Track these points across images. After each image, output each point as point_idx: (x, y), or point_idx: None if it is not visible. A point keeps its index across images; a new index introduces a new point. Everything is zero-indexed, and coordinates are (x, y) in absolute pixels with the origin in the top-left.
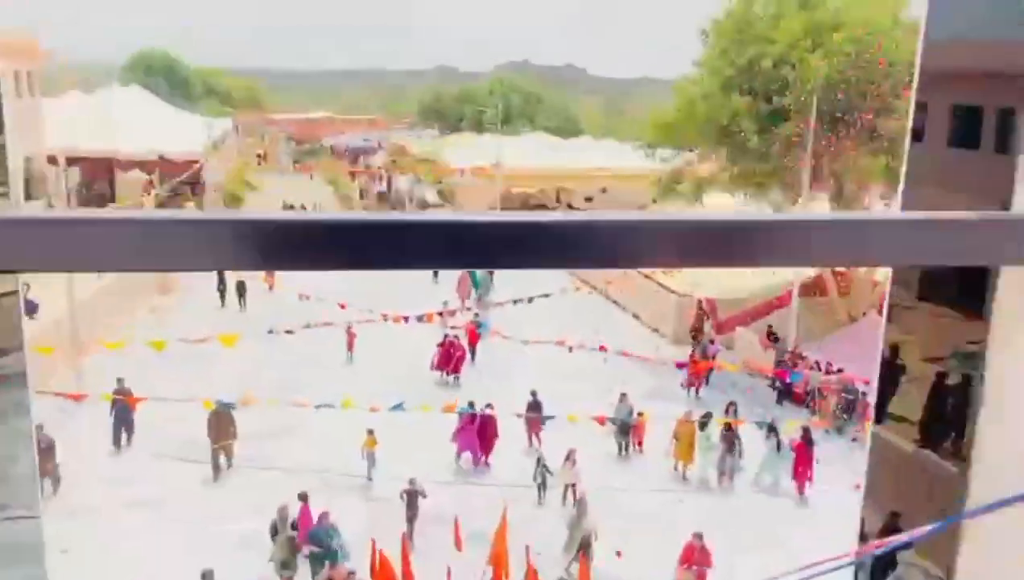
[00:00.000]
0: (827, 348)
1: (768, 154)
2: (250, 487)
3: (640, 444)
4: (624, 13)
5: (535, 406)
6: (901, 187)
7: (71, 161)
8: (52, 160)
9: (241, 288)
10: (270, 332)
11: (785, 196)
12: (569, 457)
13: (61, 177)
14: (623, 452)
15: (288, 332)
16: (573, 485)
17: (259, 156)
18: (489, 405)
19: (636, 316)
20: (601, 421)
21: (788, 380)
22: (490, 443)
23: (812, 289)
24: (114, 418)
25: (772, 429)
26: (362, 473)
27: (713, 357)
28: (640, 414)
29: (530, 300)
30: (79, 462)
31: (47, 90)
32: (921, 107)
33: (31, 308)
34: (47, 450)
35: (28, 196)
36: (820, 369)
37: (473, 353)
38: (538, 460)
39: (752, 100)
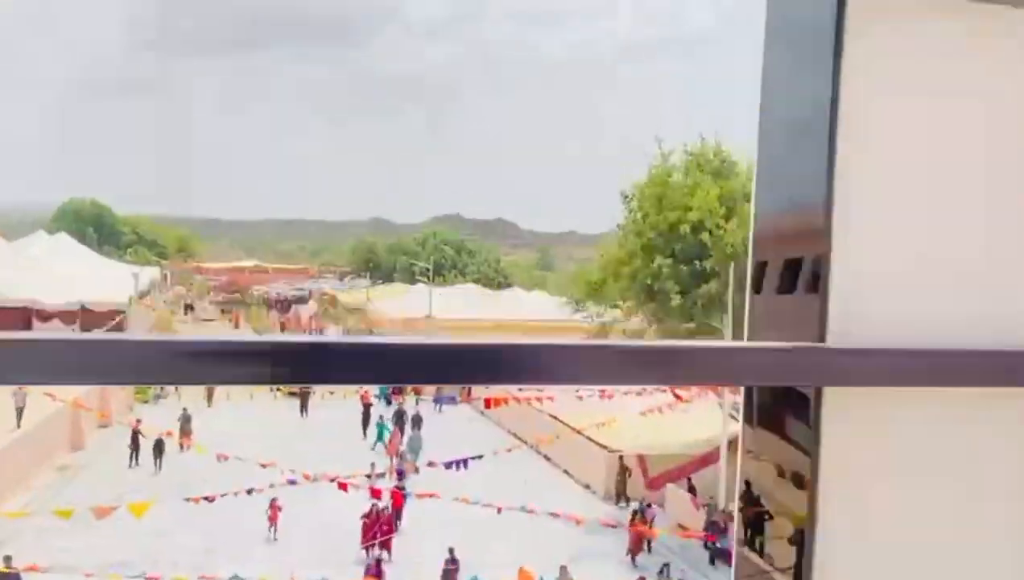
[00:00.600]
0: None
1: (691, 313)
2: None
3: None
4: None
5: (452, 562)
6: (746, 333)
7: None
8: None
9: (159, 447)
10: (186, 500)
11: None
12: (562, 575)
13: None
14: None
15: (207, 499)
16: None
17: (187, 306)
18: None
19: (567, 472)
20: None
21: (717, 544)
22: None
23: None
24: None
25: None
26: None
27: (651, 521)
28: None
29: (464, 463)
30: None
31: None
32: (761, 265)
33: None
34: None
35: None
36: None
37: (399, 516)
38: None
39: (673, 262)
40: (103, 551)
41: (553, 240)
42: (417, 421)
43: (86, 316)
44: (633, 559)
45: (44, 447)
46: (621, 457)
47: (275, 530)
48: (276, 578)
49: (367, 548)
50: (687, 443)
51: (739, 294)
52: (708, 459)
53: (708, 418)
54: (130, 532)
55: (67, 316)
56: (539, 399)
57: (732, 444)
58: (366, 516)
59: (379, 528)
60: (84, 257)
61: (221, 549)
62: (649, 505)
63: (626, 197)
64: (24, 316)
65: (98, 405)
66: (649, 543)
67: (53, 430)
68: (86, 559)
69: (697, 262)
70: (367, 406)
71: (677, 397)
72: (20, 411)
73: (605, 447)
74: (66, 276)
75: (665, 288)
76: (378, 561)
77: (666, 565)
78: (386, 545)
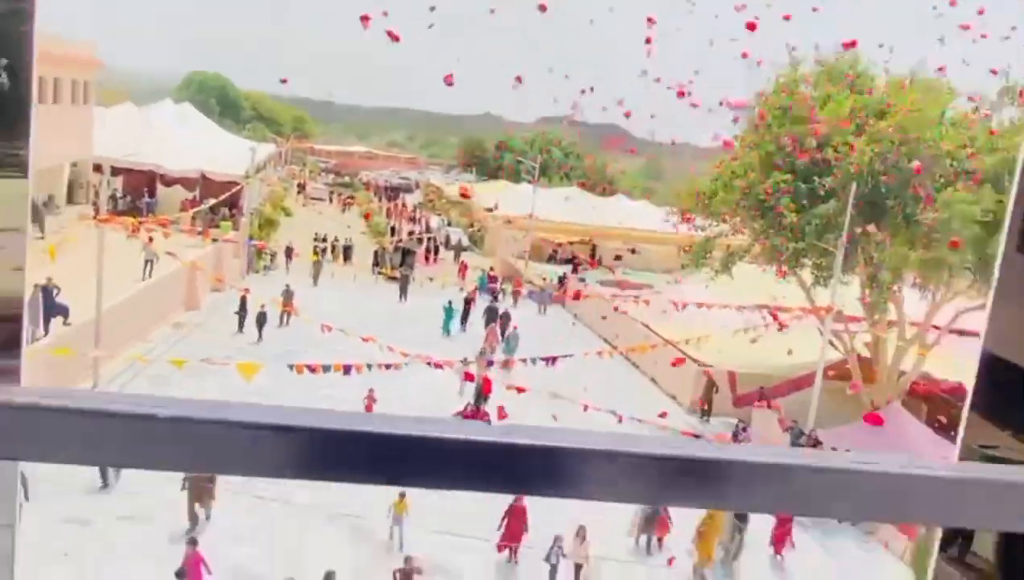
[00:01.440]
0: (846, 436)
1: (804, 233)
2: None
3: (661, 541)
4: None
5: None
6: (990, 301)
7: (116, 171)
8: (98, 168)
9: (261, 317)
10: (290, 366)
11: (816, 277)
12: (579, 533)
13: (104, 185)
14: (639, 544)
15: (310, 368)
16: (579, 566)
17: (299, 185)
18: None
19: (654, 381)
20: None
21: None
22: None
23: (836, 372)
24: None
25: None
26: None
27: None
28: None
29: (554, 360)
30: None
31: (101, 100)
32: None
33: (62, 311)
34: None
35: (70, 200)
36: None
37: (485, 399)
38: (555, 539)
39: (792, 178)
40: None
41: (665, 150)
42: (507, 318)
43: (206, 184)
44: None
45: (163, 303)
46: (710, 372)
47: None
48: None
49: None
50: (779, 365)
51: (857, 218)
52: (801, 382)
53: (804, 343)
54: (235, 389)
55: (188, 182)
56: (635, 301)
57: (828, 370)
58: (460, 413)
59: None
60: (206, 127)
61: None
62: (744, 428)
63: (748, 107)
64: (149, 179)
65: (213, 269)
66: None
67: (171, 288)
68: None
69: (817, 180)
70: (468, 301)
71: (775, 318)
72: (148, 263)
73: (695, 360)
74: (188, 144)
75: (779, 205)
76: None
77: None
78: None
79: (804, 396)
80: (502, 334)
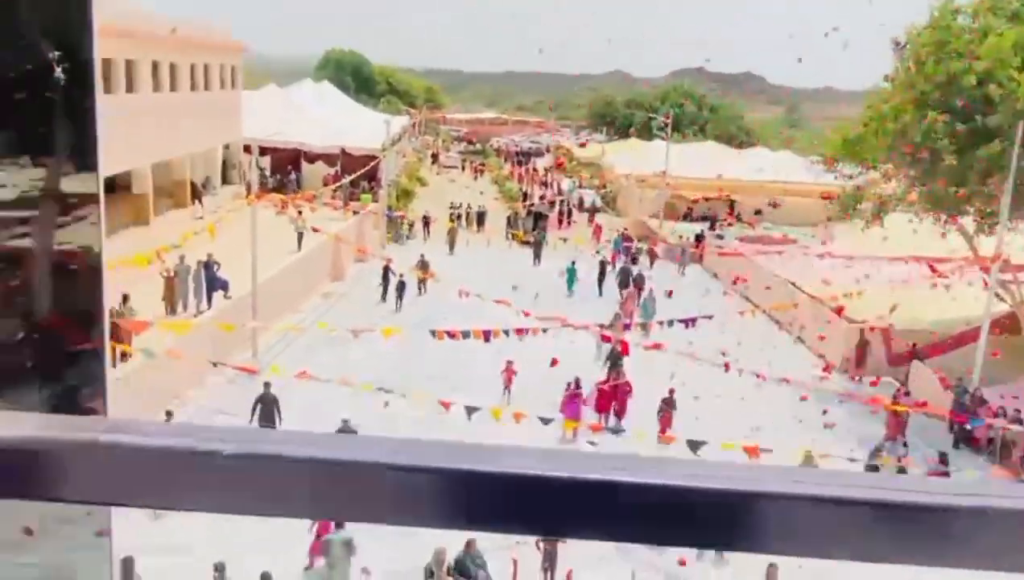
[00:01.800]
0: (1015, 392)
1: (965, 177)
2: None
3: None
4: (808, 19)
5: (670, 402)
6: None
7: (263, 151)
8: (247, 148)
9: (400, 287)
10: (432, 333)
11: (979, 224)
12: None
13: (253, 165)
14: None
15: (450, 334)
16: None
17: (432, 155)
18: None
19: (800, 340)
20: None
21: (968, 426)
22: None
23: (1003, 325)
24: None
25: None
26: None
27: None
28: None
29: (693, 322)
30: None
31: (247, 84)
32: None
33: (223, 285)
34: None
35: (224, 180)
36: (1005, 416)
37: (622, 362)
38: None
39: (950, 118)
40: (356, 367)
41: (805, 96)
42: (641, 280)
43: (346, 159)
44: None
45: (311, 275)
46: (862, 329)
47: (508, 394)
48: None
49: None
50: (939, 321)
51: None
52: (964, 338)
53: (967, 296)
54: (380, 353)
55: (329, 158)
56: (779, 252)
57: (995, 324)
58: (602, 383)
59: (616, 396)
60: (343, 104)
61: (458, 380)
62: (907, 392)
63: (898, 45)
64: (295, 155)
65: (356, 240)
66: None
67: (318, 260)
68: (343, 372)
69: (979, 119)
70: (604, 263)
71: (934, 270)
72: (300, 235)
73: (845, 317)
74: (328, 121)
75: (937, 147)
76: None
77: (905, 444)
78: (621, 411)
79: (968, 352)
80: (639, 297)
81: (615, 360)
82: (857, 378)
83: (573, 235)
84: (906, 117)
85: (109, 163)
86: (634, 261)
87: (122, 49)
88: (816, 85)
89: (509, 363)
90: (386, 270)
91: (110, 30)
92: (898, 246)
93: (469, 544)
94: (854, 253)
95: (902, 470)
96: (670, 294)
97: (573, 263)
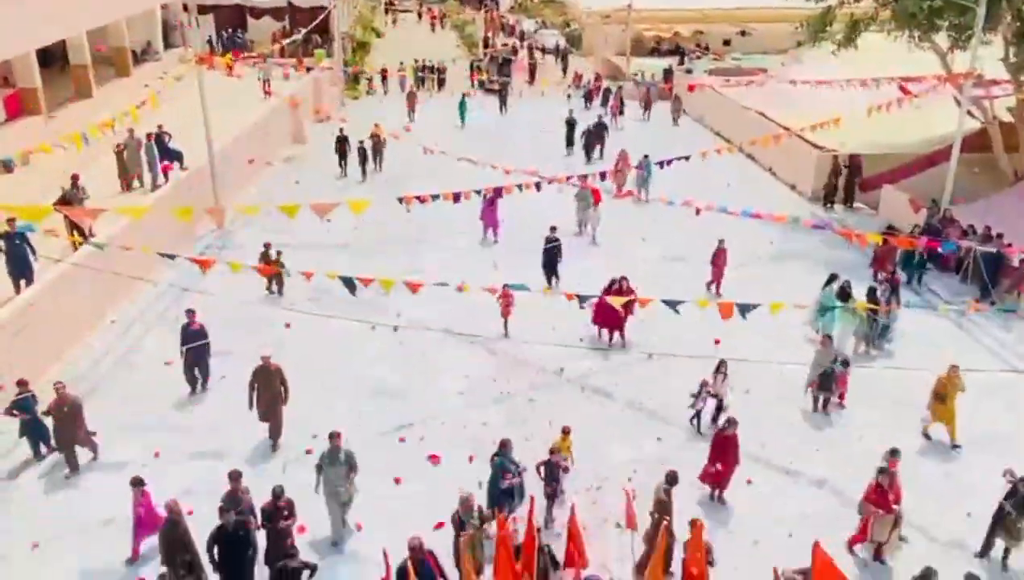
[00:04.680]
0: (984, 210)
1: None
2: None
3: (842, 398)
4: None
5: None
6: None
7: (204, 9)
8: (185, 8)
9: (363, 153)
10: (399, 201)
11: (953, 39)
12: (720, 369)
13: (194, 24)
14: (818, 409)
15: (419, 199)
16: (721, 400)
17: (386, 3)
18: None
19: (772, 172)
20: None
21: (940, 250)
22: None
23: (975, 143)
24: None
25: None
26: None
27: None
28: (845, 363)
29: (669, 163)
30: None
31: None
32: None
33: (177, 157)
34: None
35: (167, 44)
36: (975, 234)
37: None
38: (702, 384)
39: None
40: (326, 235)
41: None
42: (600, 128)
43: (293, 13)
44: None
45: (271, 139)
46: (835, 157)
47: (506, 324)
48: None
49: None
50: (912, 144)
51: None
52: (936, 157)
53: (940, 116)
54: (344, 231)
55: (277, 13)
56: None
57: (966, 143)
58: (608, 288)
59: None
60: None
61: (431, 238)
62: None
63: None
64: (238, 12)
65: (314, 100)
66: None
67: (277, 123)
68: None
69: None
70: (570, 122)
71: (905, 91)
72: (265, 82)
73: (816, 145)
74: None
75: None
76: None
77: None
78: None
79: (940, 172)
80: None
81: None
82: (829, 205)
83: (539, 79)
84: None
85: (35, 33)
86: (586, 103)
87: None
88: None
89: (505, 290)
90: (341, 141)
91: None
92: (870, 69)
93: (504, 445)
94: (825, 78)
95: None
96: (638, 135)
97: (464, 96)
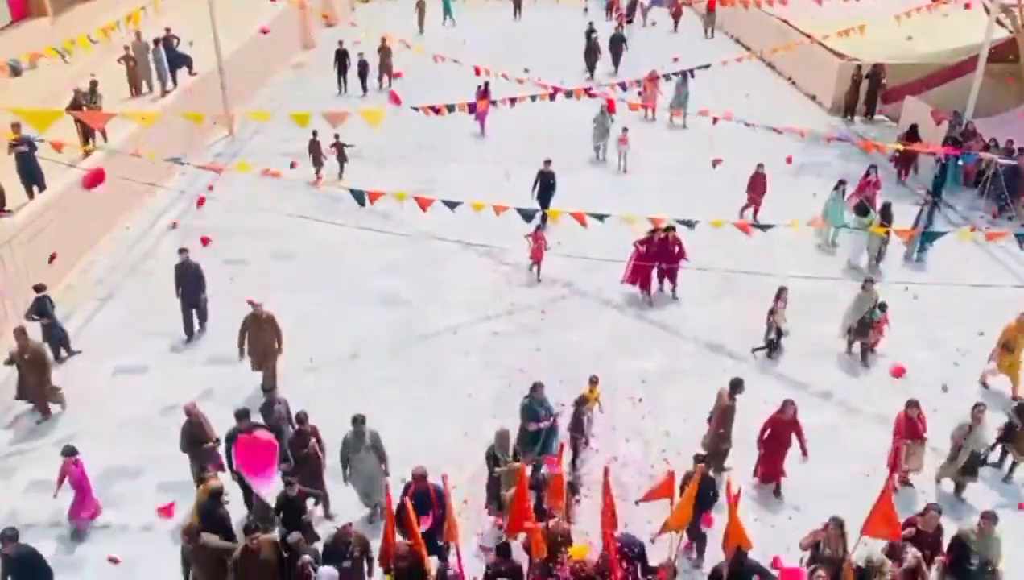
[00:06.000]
0: (1010, 122)
1: None
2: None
3: (875, 345)
4: None
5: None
6: None
7: None
8: None
9: (363, 68)
10: (415, 109)
11: None
12: (780, 296)
13: None
14: (851, 351)
15: (434, 109)
16: (779, 327)
17: None
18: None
19: (792, 81)
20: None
21: (959, 161)
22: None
23: (1002, 53)
24: None
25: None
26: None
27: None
28: (883, 307)
29: (692, 73)
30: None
31: None
32: None
33: (186, 61)
34: None
35: None
36: (998, 147)
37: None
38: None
39: None
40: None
41: None
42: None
43: None
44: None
45: (280, 44)
46: (858, 65)
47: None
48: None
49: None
50: (938, 53)
51: None
52: (961, 68)
53: (968, 24)
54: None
55: None
56: (771, 2)
57: (993, 52)
58: (641, 242)
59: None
60: None
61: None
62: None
63: None
64: None
65: (323, 5)
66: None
67: (285, 28)
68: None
69: None
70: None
71: None
72: None
73: (837, 54)
74: None
75: None
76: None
77: (873, 167)
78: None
79: (966, 83)
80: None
81: (604, 117)
82: (849, 118)
83: None
84: None
85: None
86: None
87: None
88: None
89: (539, 234)
90: (340, 55)
91: None
92: None
93: (535, 389)
94: None
95: None
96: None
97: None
